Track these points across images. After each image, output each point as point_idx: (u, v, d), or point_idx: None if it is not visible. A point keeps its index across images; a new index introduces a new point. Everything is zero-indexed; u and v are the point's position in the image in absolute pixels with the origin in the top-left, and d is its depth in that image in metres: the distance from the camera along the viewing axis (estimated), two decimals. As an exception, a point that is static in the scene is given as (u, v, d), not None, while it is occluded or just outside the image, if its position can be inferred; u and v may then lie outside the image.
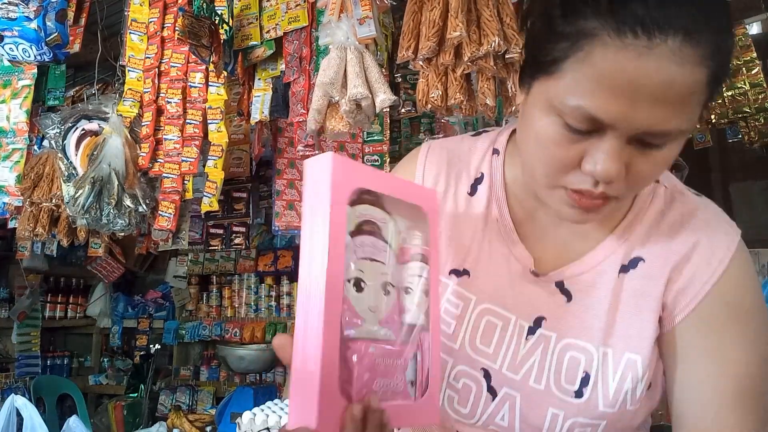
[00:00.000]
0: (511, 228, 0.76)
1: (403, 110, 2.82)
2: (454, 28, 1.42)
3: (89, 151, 2.27)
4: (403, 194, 0.61)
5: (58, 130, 2.34)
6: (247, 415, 2.12)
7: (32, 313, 4.27)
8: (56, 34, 2.10)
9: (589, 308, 0.70)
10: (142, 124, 2.29)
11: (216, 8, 2.07)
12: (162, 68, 2.31)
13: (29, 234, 2.72)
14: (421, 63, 1.50)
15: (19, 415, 2.36)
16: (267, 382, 3.98)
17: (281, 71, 2.15)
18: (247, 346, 3.67)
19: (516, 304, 0.73)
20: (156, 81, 2.29)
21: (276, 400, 2.30)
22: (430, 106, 1.51)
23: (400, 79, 2.74)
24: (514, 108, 1.54)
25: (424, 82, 1.52)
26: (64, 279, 4.59)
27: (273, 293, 4.24)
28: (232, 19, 2.13)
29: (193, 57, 2.14)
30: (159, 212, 2.33)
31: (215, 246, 3.76)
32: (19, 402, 2.37)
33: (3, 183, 2.35)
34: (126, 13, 2.35)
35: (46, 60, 2.15)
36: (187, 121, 2.24)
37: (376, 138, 2.68)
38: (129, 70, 2.33)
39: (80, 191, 2.20)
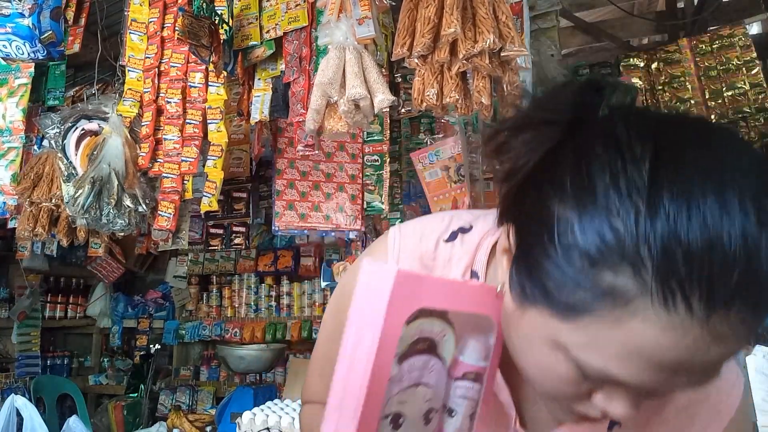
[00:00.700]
0: (500, 380, 0.65)
1: (403, 110, 2.83)
2: (449, 25, 1.41)
3: (89, 150, 2.27)
4: (473, 304, 0.53)
5: (58, 130, 2.34)
6: (247, 415, 2.12)
7: (32, 313, 4.26)
8: (51, 32, 2.10)
9: None
10: (142, 124, 2.29)
11: (216, 8, 2.07)
12: (162, 68, 2.31)
13: (29, 234, 2.72)
14: (416, 60, 1.49)
15: (19, 415, 2.36)
16: (267, 382, 3.98)
17: (281, 71, 2.15)
18: (247, 346, 3.67)
19: None
20: (156, 81, 2.29)
21: (276, 400, 2.30)
22: (425, 104, 1.50)
23: (399, 79, 2.74)
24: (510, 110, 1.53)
25: (420, 81, 1.51)
26: (64, 279, 4.59)
27: (273, 293, 4.24)
28: (232, 19, 2.13)
29: (193, 57, 2.14)
30: (159, 212, 2.33)
31: (215, 246, 3.76)
32: (19, 402, 2.37)
33: (-1, 182, 2.35)
34: (126, 13, 2.35)
35: (40, 57, 2.15)
36: (187, 121, 2.24)
37: (376, 138, 2.68)
38: (129, 70, 2.33)
39: (80, 191, 2.20)
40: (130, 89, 2.32)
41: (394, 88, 2.62)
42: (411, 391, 0.50)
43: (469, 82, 1.51)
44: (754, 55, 2.49)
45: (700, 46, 2.56)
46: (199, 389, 4.17)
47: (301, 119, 1.97)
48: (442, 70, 1.49)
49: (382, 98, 1.53)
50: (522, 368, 0.54)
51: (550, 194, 0.46)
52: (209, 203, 2.23)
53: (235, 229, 3.72)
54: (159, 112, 2.29)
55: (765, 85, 2.45)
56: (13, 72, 2.38)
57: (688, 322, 0.40)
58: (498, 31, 1.44)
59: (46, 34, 2.09)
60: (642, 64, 2.65)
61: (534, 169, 0.49)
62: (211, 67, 2.14)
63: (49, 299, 4.47)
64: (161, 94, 2.28)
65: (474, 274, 0.66)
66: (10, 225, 2.86)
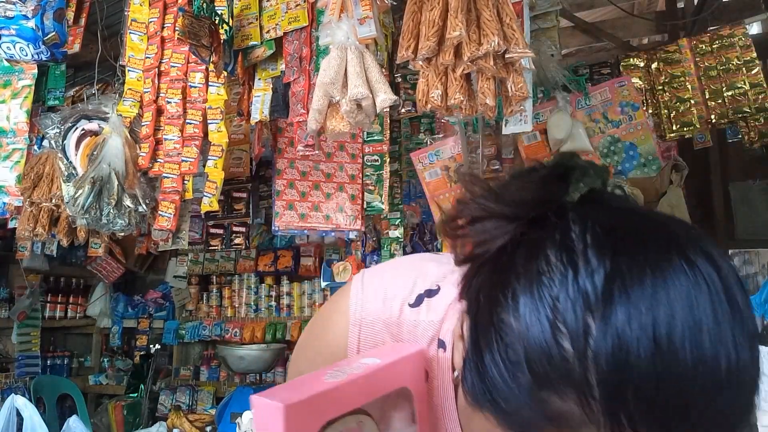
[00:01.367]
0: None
1: (403, 110, 2.83)
2: (453, 28, 1.41)
3: (89, 151, 2.27)
4: (381, 388, 0.52)
5: (58, 130, 2.33)
6: (247, 415, 2.12)
7: (32, 313, 4.26)
8: (54, 33, 2.10)
9: None
10: (142, 124, 2.29)
11: (216, 8, 2.07)
12: (162, 68, 2.30)
13: (29, 234, 2.72)
14: (420, 63, 1.50)
15: (19, 415, 2.35)
16: (267, 382, 3.98)
17: (281, 71, 2.15)
18: (247, 346, 3.68)
19: None
20: (156, 81, 2.29)
21: (276, 400, 2.30)
22: (430, 106, 1.50)
23: (400, 79, 2.75)
24: (512, 111, 1.53)
25: (424, 82, 1.51)
26: (64, 279, 4.59)
27: (273, 293, 4.24)
28: (232, 19, 2.13)
29: (193, 57, 2.14)
30: (159, 212, 2.33)
31: (215, 246, 3.76)
32: (19, 402, 2.37)
33: (3, 183, 2.35)
34: (126, 13, 2.35)
35: (44, 59, 2.15)
36: (187, 121, 2.24)
37: (376, 138, 2.68)
38: (129, 70, 2.33)
39: (80, 191, 2.20)
40: (130, 89, 2.32)
41: (394, 88, 2.62)
42: None
43: (474, 84, 1.52)
44: (754, 55, 2.48)
45: (700, 46, 2.56)
46: (199, 389, 4.17)
47: (301, 119, 1.97)
48: (447, 72, 1.49)
49: (384, 98, 1.53)
50: None
51: (500, 300, 0.44)
52: (209, 203, 2.23)
53: (235, 229, 3.72)
54: (159, 112, 2.29)
55: (765, 85, 2.45)
56: (17, 73, 2.38)
57: None
58: (502, 33, 1.44)
59: (49, 36, 2.09)
60: (642, 64, 2.65)
61: (490, 261, 0.47)
62: (211, 67, 2.13)
63: (49, 299, 4.47)
64: (161, 94, 2.28)
65: (441, 344, 0.63)
66: (10, 225, 2.87)
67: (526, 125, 1.74)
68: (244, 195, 3.49)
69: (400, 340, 0.65)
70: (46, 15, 2.08)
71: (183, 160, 2.23)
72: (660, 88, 2.59)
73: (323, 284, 3.06)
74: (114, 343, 4.72)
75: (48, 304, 4.46)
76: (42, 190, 2.52)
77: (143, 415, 4.04)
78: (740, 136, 2.67)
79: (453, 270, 0.63)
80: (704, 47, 2.56)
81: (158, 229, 2.38)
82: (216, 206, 2.26)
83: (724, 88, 2.51)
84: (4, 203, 2.39)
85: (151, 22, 2.31)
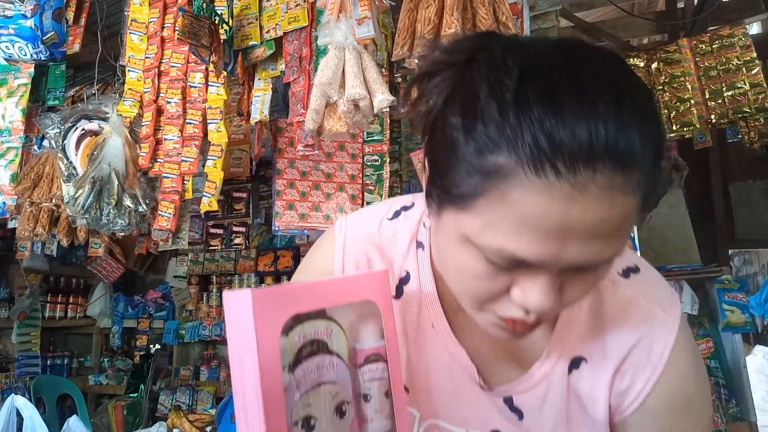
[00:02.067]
0: (449, 334, 0.68)
1: (403, 110, 2.82)
2: (449, 26, 1.42)
3: (89, 151, 2.27)
4: (347, 295, 0.55)
5: (58, 130, 2.34)
6: (246, 415, 2.11)
7: (32, 313, 4.26)
8: (53, 32, 2.10)
9: (546, 424, 0.67)
10: (142, 124, 2.29)
11: (216, 8, 2.07)
12: (162, 68, 2.31)
13: (29, 234, 2.72)
14: (416, 61, 1.50)
15: (19, 415, 2.35)
16: (267, 382, 3.98)
17: (281, 71, 2.15)
18: (247, 346, 3.67)
19: (465, 417, 0.68)
20: (156, 81, 2.29)
21: (276, 400, 2.30)
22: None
23: (399, 80, 2.74)
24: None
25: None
26: (64, 279, 4.59)
27: (273, 293, 4.24)
28: (232, 19, 2.13)
29: (193, 57, 2.14)
30: (159, 212, 2.33)
31: (215, 246, 3.76)
32: (19, 402, 2.37)
33: (-1, 182, 2.35)
34: (126, 13, 2.35)
35: (43, 59, 2.15)
36: (187, 121, 2.24)
37: (376, 138, 2.68)
38: (129, 70, 2.33)
39: (80, 191, 2.20)
40: (130, 89, 2.32)
41: (394, 88, 2.62)
42: (314, 393, 0.52)
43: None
44: (754, 55, 2.48)
45: (700, 46, 2.56)
46: (199, 389, 4.17)
47: (301, 119, 1.97)
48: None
49: (382, 98, 1.53)
50: (450, 283, 0.59)
51: (449, 117, 0.52)
52: (209, 203, 2.23)
53: (235, 229, 3.72)
54: (159, 112, 2.29)
55: (765, 85, 2.45)
56: (13, 72, 2.38)
57: (558, 184, 0.45)
58: (498, 32, 1.44)
59: (48, 35, 2.09)
60: (642, 64, 2.65)
61: (442, 105, 0.54)
62: (211, 67, 2.14)
63: (49, 299, 4.47)
64: (161, 94, 2.28)
65: (419, 244, 0.72)
66: (10, 225, 2.86)
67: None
68: (244, 195, 3.49)
69: (381, 250, 0.73)
70: (44, 14, 2.08)
71: (183, 160, 2.24)
72: (660, 88, 2.59)
73: (323, 284, 3.05)
74: (114, 343, 4.72)
75: (48, 304, 4.46)
76: (42, 190, 2.52)
77: (143, 415, 4.04)
78: (740, 136, 2.67)
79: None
80: (704, 47, 2.56)
81: (158, 229, 2.38)
82: (216, 206, 2.26)
83: (724, 88, 2.51)
84: (4, 203, 2.39)
85: (151, 22, 2.31)
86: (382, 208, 0.77)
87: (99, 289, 4.69)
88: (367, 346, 0.57)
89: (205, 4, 1.98)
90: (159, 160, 2.29)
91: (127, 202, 2.26)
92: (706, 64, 2.54)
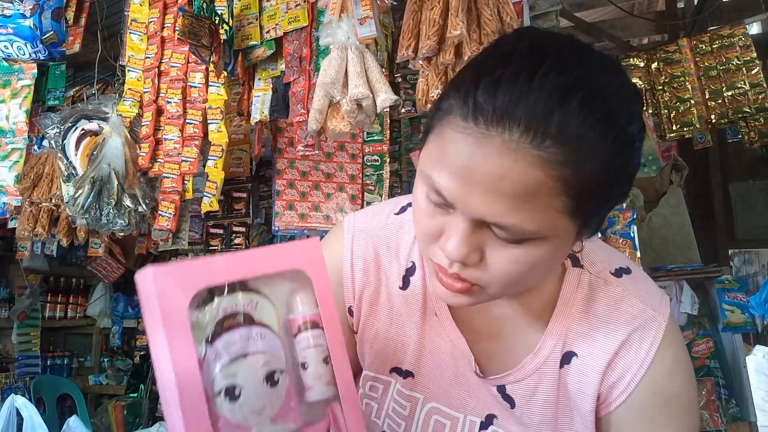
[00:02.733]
0: (451, 323, 0.73)
1: (403, 110, 2.82)
2: (454, 27, 1.42)
3: (89, 151, 2.27)
4: (273, 265, 0.55)
5: (58, 130, 2.33)
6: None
7: (32, 313, 4.26)
8: (52, 32, 2.10)
9: (535, 414, 0.70)
10: (142, 124, 2.29)
11: (216, 8, 2.07)
12: (162, 68, 2.30)
13: (29, 234, 2.72)
14: (420, 62, 1.50)
15: (19, 415, 2.35)
16: (267, 382, 3.98)
17: (281, 71, 2.15)
18: (247, 346, 3.67)
19: (464, 402, 0.72)
20: (156, 81, 2.29)
21: (276, 400, 2.30)
22: (429, 105, 1.51)
23: (400, 79, 2.74)
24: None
25: (424, 82, 1.52)
26: (64, 279, 4.59)
27: (273, 293, 4.24)
28: (232, 19, 2.13)
29: (193, 57, 2.14)
30: (159, 212, 2.33)
31: (215, 246, 3.75)
32: (19, 402, 2.37)
33: (2, 183, 2.35)
34: (126, 13, 2.34)
35: (42, 58, 2.15)
36: (187, 121, 2.24)
37: (376, 138, 2.68)
38: (129, 70, 2.33)
39: (80, 191, 2.20)
40: (130, 89, 2.32)
41: (394, 88, 2.62)
42: (239, 363, 0.51)
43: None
44: (754, 55, 2.48)
45: (700, 46, 2.56)
46: (199, 389, 4.17)
47: (301, 119, 1.97)
48: (447, 72, 1.49)
49: (385, 98, 1.53)
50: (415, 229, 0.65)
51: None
52: (209, 203, 2.23)
53: (235, 229, 3.71)
54: (159, 112, 2.29)
55: (765, 85, 2.45)
56: (16, 73, 2.38)
57: (474, 130, 0.53)
58: (503, 33, 1.44)
59: (47, 35, 2.09)
60: (642, 64, 2.65)
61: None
62: (211, 67, 2.13)
63: (49, 299, 4.47)
64: (161, 94, 2.28)
65: None
66: (10, 225, 2.86)
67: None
68: (244, 195, 3.49)
69: (387, 242, 0.77)
70: (44, 14, 2.08)
71: (183, 160, 2.23)
72: (660, 88, 2.59)
73: (323, 284, 3.06)
74: (114, 343, 4.71)
75: (48, 304, 4.46)
76: (42, 190, 2.52)
77: (143, 415, 4.04)
78: (740, 136, 2.67)
79: None
80: (704, 47, 2.56)
81: (158, 229, 2.38)
82: (216, 206, 2.26)
83: (724, 88, 2.51)
84: (4, 203, 2.39)
85: (151, 22, 2.31)
86: (390, 204, 0.81)
87: (99, 289, 4.69)
88: (300, 315, 0.57)
89: (205, 4, 1.98)
90: (159, 160, 2.29)
91: (127, 202, 2.26)
92: (706, 64, 2.54)
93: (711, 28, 2.73)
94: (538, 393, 0.70)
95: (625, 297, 0.70)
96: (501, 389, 0.71)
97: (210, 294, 0.51)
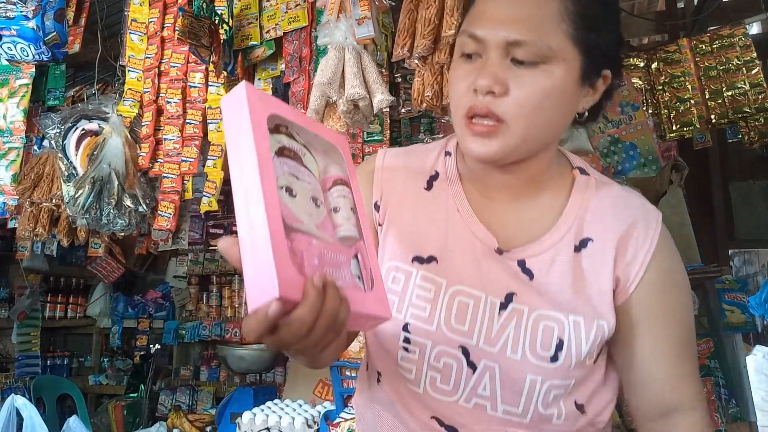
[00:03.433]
0: (471, 214, 0.83)
1: (403, 110, 2.82)
2: (449, 27, 1.42)
3: (89, 151, 2.27)
4: (317, 130, 0.67)
5: (58, 130, 2.34)
6: (247, 415, 2.12)
7: (32, 313, 4.26)
8: (54, 33, 2.10)
9: (552, 284, 0.78)
10: (142, 124, 2.29)
11: (216, 8, 2.07)
12: (162, 68, 2.31)
13: (29, 234, 2.72)
14: (416, 61, 1.50)
15: (19, 415, 2.36)
16: (267, 382, 3.98)
17: (281, 71, 2.15)
18: (247, 346, 3.67)
19: (485, 283, 0.79)
20: (156, 81, 2.29)
21: (276, 400, 2.30)
22: (425, 104, 1.51)
23: (399, 79, 2.74)
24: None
25: (420, 81, 1.52)
26: (64, 279, 4.59)
27: (273, 293, 4.23)
28: (232, 19, 2.13)
29: (193, 57, 2.14)
30: (159, 212, 2.33)
31: (215, 246, 3.75)
32: (19, 402, 2.37)
33: None
34: (126, 13, 2.35)
35: (45, 59, 2.15)
36: (187, 121, 2.24)
37: (376, 138, 2.68)
38: (129, 70, 2.33)
39: (80, 191, 2.20)
40: (130, 89, 2.32)
41: (393, 88, 2.62)
42: (293, 179, 0.61)
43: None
44: (754, 55, 2.48)
45: (700, 46, 2.56)
46: (199, 389, 4.17)
47: (301, 119, 1.97)
48: (442, 71, 1.49)
49: (382, 98, 1.53)
50: (451, 100, 0.79)
51: None
52: (209, 203, 2.24)
53: (235, 229, 3.71)
54: (159, 112, 2.29)
55: (765, 85, 2.44)
56: (14, 72, 2.38)
57: None
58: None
59: (50, 36, 2.09)
60: (642, 64, 2.65)
61: None
62: (211, 67, 2.14)
63: (49, 299, 4.47)
64: (161, 94, 2.28)
65: (447, 153, 0.89)
66: (10, 225, 2.87)
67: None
68: (244, 195, 3.49)
69: (415, 156, 0.91)
70: (46, 15, 2.08)
71: (183, 160, 2.24)
72: (660, 88, 2.59)
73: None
74: (114, 343, 4.71)
75: (48, 304, 4.46)
76: (42, 190, 2.52)
77: (143, 415, 4.04)
78: (740, 136, 2.67)
79: None
80: (704, 47, 2.55)
81: (158, 229, 2.38)
82: (216, 206, 2.27)
83: (724, 88, 2.50)
84: (3, 203, 2.39)
85: (151, 22, 2.31)
86: (419, 143, 0.98)
87: (99, 289, 4.69)
88: (334, 174, 0.67)
89: (205, 4, 1.98)
90: (159, 160, 2.29)
91: (127, 202, 2.26)
92: (706, 64, 2.54)
93: (711, 28, 2.73)
94: (555, 265, 0.78)
95: (628, 193, 0.84)
96: (521, 263, 0.79)
97: (275, 126, 0.61)
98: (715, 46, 2.54)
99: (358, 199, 0.68)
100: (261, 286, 0.51)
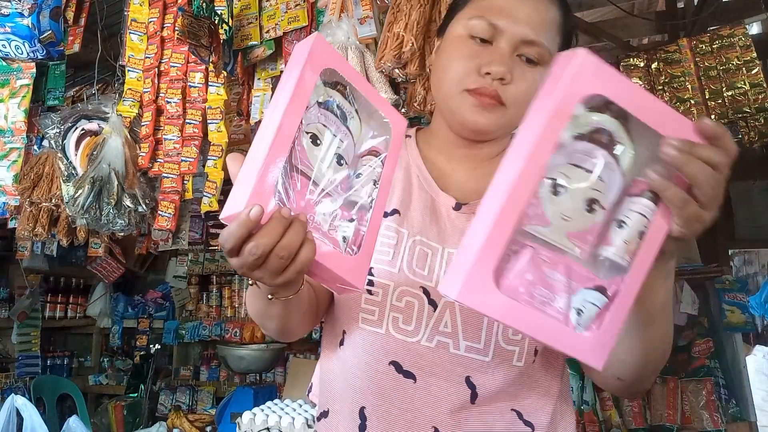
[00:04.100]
0: (431, 181, 0.89)
1: (403, 110, 2.82)
2: (405, 44, 1.45)
3: (89, 151, 2.27)
4: (379, 104, 0.67)
5: (58, 130, 2.33)
6: (247, 415, 2.12)
7: (32, 313, 4.26)
8: (50, 31, 2.09)
9: None
10: (142, 124, 2.29)
11: (216, 8, 2.07)
12: (162, 68, 2.30)
13: (29, 234, 2.72)
14: (397, 71, 1.54)
15: (19, 415, 2.36)
16: (267, 382, 3.98)
17: (281, 71, 2.15)
18: (247, 346, 3.67)
19: (443, 237, 0.85)
20: (156, 81, 2.29)
21: (276, 400, 2.30)
22: (412, 112, 1.56)
23: (401, 79, 2.74)
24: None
25: (413, 87, 1.54)
26: (64, 279, 4.59)
27: (273, 293, 4.23)
28: (232, 18, 2.13)
29: (193, 57, 2.14)
30: (159, 212, 2.33)
31: (215, 246, 3.76)
32: (19, 402, 2.37)
33: (0, 182, 2.35)
34: (126, 13, 2.34)
35: (40, 57, 2.15)
36: (187, 121, 2.24)
37: (376, 138, 2.68)
38: (129, 70, 2.33)
39: (80, 191, 2.20)
40: (130, 89, 2.32)
41: (394, 87, 2.62)
42: (325, 133, 0.62)
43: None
44: (754, 55, 2.48)
45: (700, 46, 2.56)
46: (199, 389, 4.17)
47: (301, 119, 1.97)
48: (426, 79, 1.53)
49: (385, 97, 1.54)
50: (444, 87, 0.85)
51: None
52: (209, 203, 2.23)
53: (235, 229, 3.72)
54: (159, 112, 2.29)
55: (765, 85, 2.44)
56: (15, 73, 2.38)
57: None
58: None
59: (45, 34, 2.08)
60: (642, 64, 2.65)
61: None
62: (211, 67, 2.13)
63: (49, 299, 4.47)
64: (161, 94, 2.28)
65: (407, 136, 0.97)
66: (10, 225, 2.87)
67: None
68: (244, 195, 3.49)
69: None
70: (42, 13, 2.07)
71: (183, 160, 2.24)
72: (660, 88, 2.59)
73: (323, 284, 3.05)
74: (114, 343, 4.71)
75: (48, 304, 4.46)
76: (42, 190, 2.52)
77: (143, 415, 4.04)
78: (740, 136, 2.67)
79: None
80: (704, 47, 2.55)
81: (158, 229, 2.38)
82: (216, 206, 2.26)
83: (724, 88, 2.50)
84: (4, 203, 2.39)
85: (150, 22, 2.31)
86: None
87: (99, 289, 4.69)
88: (374, 146, 0.68)
89: (205, 4, 1.98)
90: (159, 160, 2.29)
91: (127, 202, 2.26)
92: (706, 64, 2.54)
93: (711, 28, 2.73)
94: None
95: None
96: None
97: (335, 82, 0.63)
98: (715, 46, 2.54)
99: (386, 176, 0.67)
100: (235, 200, 0.56)
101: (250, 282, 0.67)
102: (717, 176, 0.54)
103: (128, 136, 2.30)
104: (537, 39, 0.80)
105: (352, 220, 0.65)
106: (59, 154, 2.35)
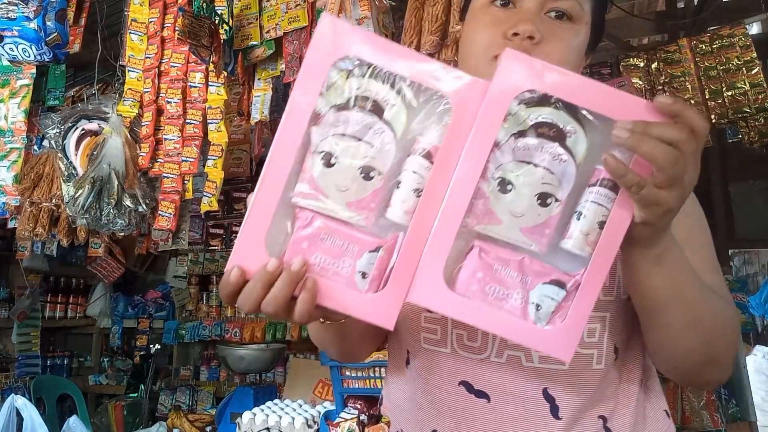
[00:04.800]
0: None
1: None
2: (457, 22, 1.42)
3: (89, 151, 2.27)
4: (430, 79, 0.54)
5: (58, 130, 2.33)
6: (247, 415, 2.12)
7: (32, 313, 4.26)
8: (56, 33, 2.10)
9: None
10: (142, 124, 2.29)
11: (216, 8, 2.07)
12: (162, 68, 2.31)
13: (29, 234, 2.72)
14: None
15: (19, 415, 2.36)
16: (267, 382, 3.98)
17: (281, 71, 2.15)
18: (247, 346, 3.67)
19: None
20: (156, 81, 2.29)
21: (276, 400, 2.30)
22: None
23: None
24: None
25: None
26: (64, 279, 4.59)
27: (273, 293, 4.23)
28: (232, 19, 2.13)
29: (193, 57, 2.14)
30: (159, 212, 2.33)
31: (215, 246, 3.76)
32: (19, 402, 2.37)
33: (1, 182, 2.35)
34: (126, 13, 2.35)
35: (46, 60, 2.15)
36: (187, 121, 2.24)
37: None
38: (129, 70, 2.33)
39: (80, 191, 2.20)
40: (130, 89, 2.32)
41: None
42: (347, 141, 0.54)
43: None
44: (754, 55, 2.48)
45: (700, 46, 2.56)
46: (199, 389, 4.17)
47: (301, 119, 1.97)
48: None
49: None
50: (474, 46, 0.77)
51: None
52: (209, 203, 2.24)
53: (235, 229, 3.72)
54: (159, 112, 2.29)
55: (765, 85, 2.44)
56: (15, 73, 2.38)
57: None
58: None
59: (51, 36, 2.08)
60: (642, 64, 2.65)
61: None
62: (211, 67, 2.14)
63: (49, 299, 4.47)
64: (161, 94, 2.28)
65: None
66: (10, 225, 2.87)
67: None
68: (244, 195, 3.49)
69: None
70: (47, 16, 2.07)
71: (183, 160, 2.24)
72: (660, 88, 2.59)
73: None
74: (114, 343, 4.71)
75: (48, 304, 4.46)
76: (42, 190, 2.52)
77: (143, 415, 4.04)
78: (740, 136, 2.67)
79: None
80: (704, 47, 2.55)
81: (158, 229, 2.38)
82: (216, 206, 2.27)
83: (724, 88, 2.50)
84: (4, 203, 2.39)
85: (151, 22, 2.31)
86: None
87: (99, 289, 4.69)
88: (423, 142, 0.55)
89: (205, 4, 1.98)
90: (159, 160, 2.29)
91: (127, 202, 2.26)
92: (706, 64, 2.54)
93: (711, 28, 2.73)
94: None
95: None
96: None
97: (360, 67, 0.54)
98: (715, 46, 2.54)
99: (439, 178, 0.55)
100: (233, 252, 0.56)
101: None
102: (675, 154, 0.51)
103: (128, 136, 2.30)
104: (564, 7, 0.73)
105: (375, 250, 0.56)
106: (59, 154, 2.35)
